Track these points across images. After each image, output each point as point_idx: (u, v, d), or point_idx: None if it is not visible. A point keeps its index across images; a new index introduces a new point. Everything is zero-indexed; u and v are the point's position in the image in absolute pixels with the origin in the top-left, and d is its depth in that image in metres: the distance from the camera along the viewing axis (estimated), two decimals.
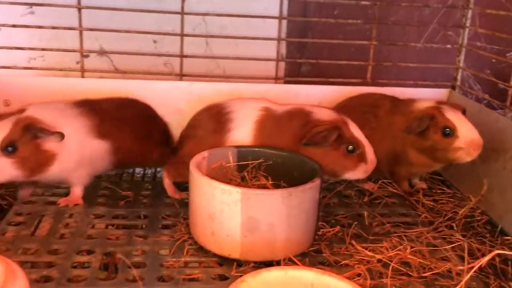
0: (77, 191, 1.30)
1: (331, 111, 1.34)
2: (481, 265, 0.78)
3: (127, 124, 1.38)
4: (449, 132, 1.34)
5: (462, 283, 0.72)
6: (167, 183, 1.38)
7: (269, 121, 1.32)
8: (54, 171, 1.22)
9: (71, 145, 1.23)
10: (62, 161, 1.22)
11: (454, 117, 1.35)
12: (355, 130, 1.29)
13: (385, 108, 1.47)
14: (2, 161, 1.14)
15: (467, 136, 1.33)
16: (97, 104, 1.36)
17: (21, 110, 1.21)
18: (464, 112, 1.42)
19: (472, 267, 0.72)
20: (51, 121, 1.21)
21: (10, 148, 1.14)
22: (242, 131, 1.31)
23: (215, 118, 1.35)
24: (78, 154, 1.25)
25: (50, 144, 1.19)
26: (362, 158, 1.28)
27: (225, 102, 1.39)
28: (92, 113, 1.31)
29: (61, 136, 1.18)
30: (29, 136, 1.16)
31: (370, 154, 1.29)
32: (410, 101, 1.46)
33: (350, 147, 1.27)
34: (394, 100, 1.50)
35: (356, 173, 1.29)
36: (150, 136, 1.43)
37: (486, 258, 0.70)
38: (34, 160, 1.17)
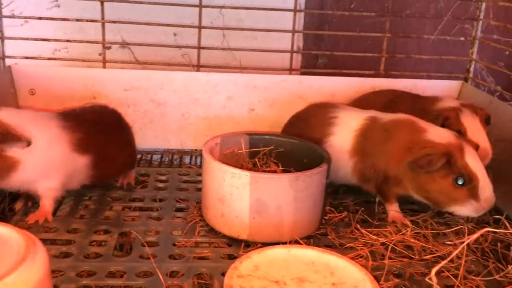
0: (46, 205, 1.19)
1: (449, 132, 1.19)
2: (471, 241, 0.81)
3: (107, 133, 1.30)
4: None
5: (453, 255, 0.76)
6: None
7: (373, 130, 1.27)
8: (17, 179, 1.12)
9: (39, 154, 1.12)
10: (27, 169, 1.12)
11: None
12: (471, 160, 1.13)
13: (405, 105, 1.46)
14: None
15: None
16: (77, 115, 1.28)
17: None
18: (488, 118, 1.37)
19: (463, 242, 0.75)
20: (21, 125, 1.10)
21: None
22: (342, 138, 1.30)
23: (321, 116, 1.36)
24: (46, 164, 1.15)
25: (14, 150, 1.09)
26: (473, 194, 1.12)
27: (335, 105, 1.39)
28: (72, 125, 1.22)
29: (27, 143, 1.08)
30: None
31: (485, 191, 1.13)
32: (433, 100, 1.44)
33: (460, 179, 1.12)
34: (415, 97, 1.52)
35: (464, 210, 1.15)
36: (128, 143, 1.39)
37: (477, 235, 0.74)
38: None
